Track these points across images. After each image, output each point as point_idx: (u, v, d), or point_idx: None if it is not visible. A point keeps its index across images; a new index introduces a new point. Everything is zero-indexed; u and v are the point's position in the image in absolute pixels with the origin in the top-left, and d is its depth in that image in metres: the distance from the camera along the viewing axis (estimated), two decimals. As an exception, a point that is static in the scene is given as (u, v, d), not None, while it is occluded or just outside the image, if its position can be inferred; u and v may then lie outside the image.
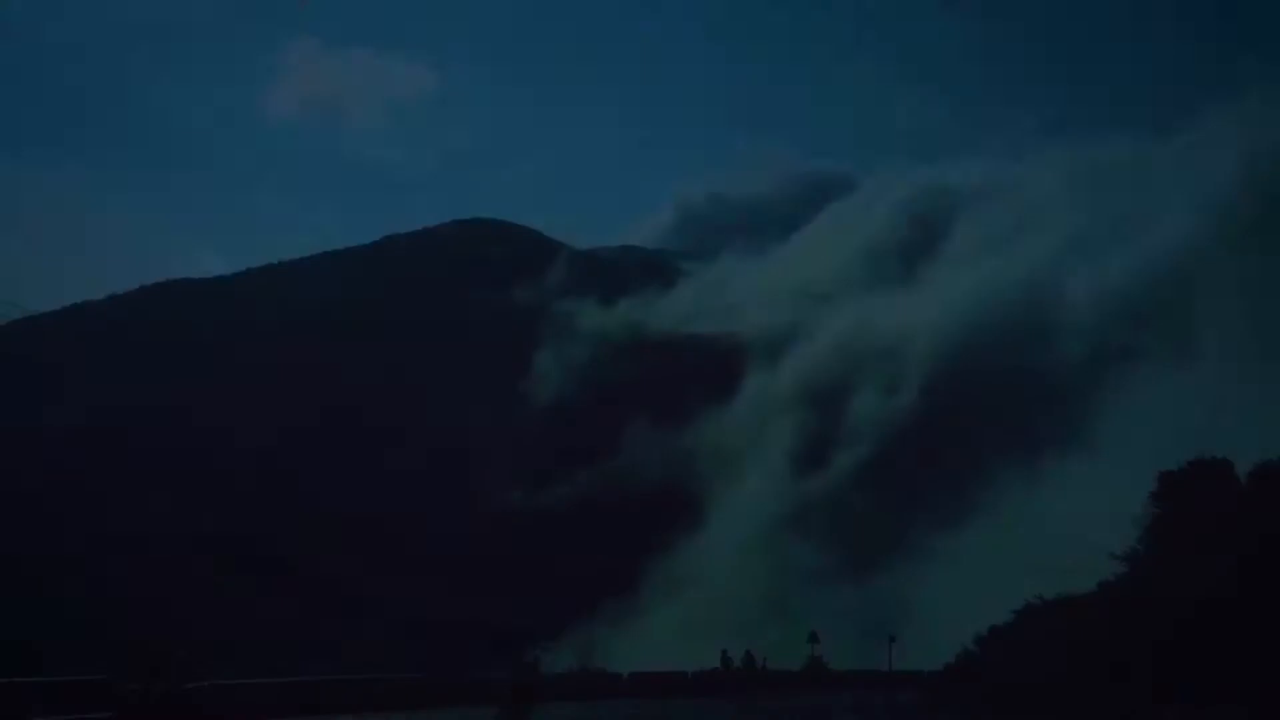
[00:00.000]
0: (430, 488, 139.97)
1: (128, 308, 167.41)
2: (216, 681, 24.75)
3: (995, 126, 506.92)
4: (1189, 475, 31.25)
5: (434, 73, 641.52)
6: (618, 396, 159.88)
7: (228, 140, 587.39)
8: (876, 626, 69.90)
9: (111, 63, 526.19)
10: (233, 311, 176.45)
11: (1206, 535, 25.46)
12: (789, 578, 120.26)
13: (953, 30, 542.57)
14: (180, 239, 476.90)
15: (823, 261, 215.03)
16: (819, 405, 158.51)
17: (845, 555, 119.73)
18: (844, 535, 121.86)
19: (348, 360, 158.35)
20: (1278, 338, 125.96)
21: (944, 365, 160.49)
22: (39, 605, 74.93)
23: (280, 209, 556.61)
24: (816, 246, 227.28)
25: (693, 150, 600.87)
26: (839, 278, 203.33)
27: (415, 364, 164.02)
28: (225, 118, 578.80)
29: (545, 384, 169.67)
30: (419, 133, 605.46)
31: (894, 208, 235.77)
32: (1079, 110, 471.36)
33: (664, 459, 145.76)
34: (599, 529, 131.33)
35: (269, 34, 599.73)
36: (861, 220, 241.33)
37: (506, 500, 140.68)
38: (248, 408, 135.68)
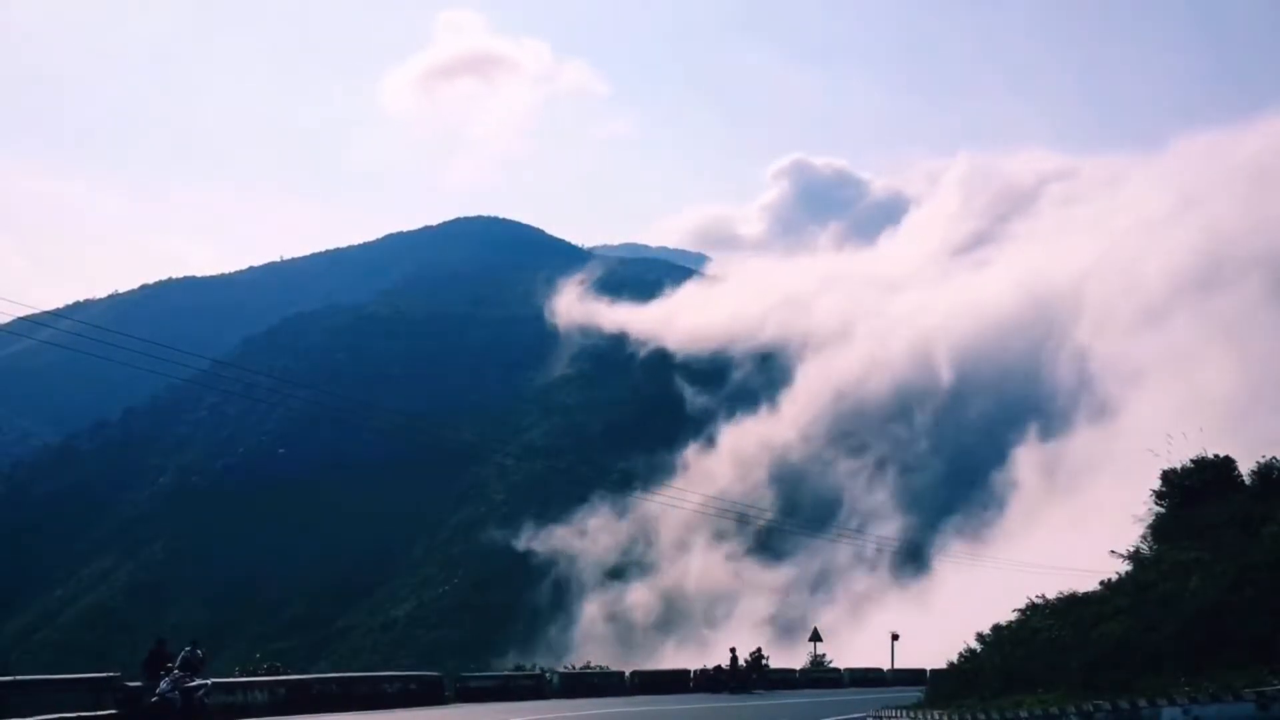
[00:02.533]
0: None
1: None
2: (219, 680, 24.79)
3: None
4: (1191, 473, 31.20)
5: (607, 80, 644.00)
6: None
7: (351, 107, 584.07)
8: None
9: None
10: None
11: (1209, 533, 25.43)
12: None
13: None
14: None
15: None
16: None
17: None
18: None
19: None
20: None
21: (968, 359, 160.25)
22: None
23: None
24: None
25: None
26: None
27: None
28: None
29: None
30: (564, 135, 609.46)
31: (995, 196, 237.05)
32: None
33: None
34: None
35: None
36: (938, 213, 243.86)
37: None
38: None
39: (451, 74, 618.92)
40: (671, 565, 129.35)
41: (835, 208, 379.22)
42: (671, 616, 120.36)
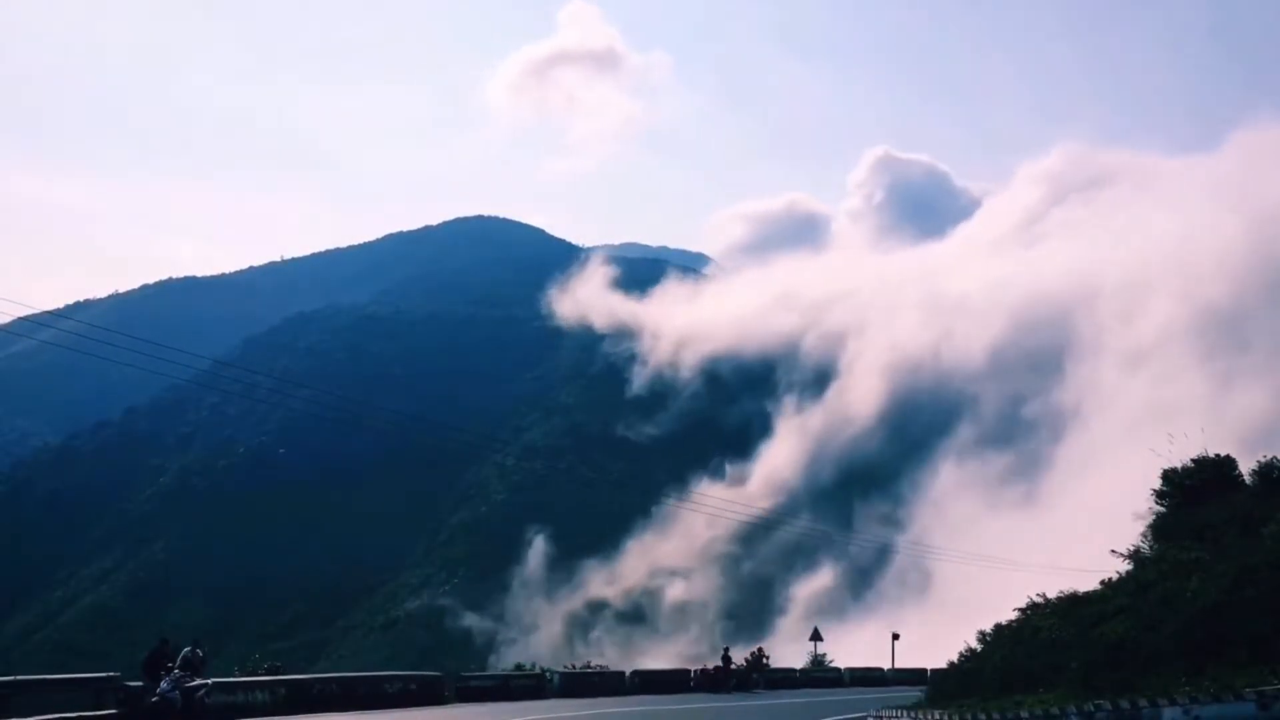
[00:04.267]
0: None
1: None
2: (220, 680, 24.80)
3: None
4: (1192, 472, 31.18)
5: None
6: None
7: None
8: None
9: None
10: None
11: (1209, 533, 25.42)
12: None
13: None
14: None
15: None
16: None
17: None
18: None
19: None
20: None
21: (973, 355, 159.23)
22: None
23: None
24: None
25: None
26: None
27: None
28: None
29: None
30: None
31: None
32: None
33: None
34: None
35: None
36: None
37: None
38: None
39: (555, 71, 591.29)
40: (674, 566, 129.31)
41: (923, 208, 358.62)
42: (675, 615, 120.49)
